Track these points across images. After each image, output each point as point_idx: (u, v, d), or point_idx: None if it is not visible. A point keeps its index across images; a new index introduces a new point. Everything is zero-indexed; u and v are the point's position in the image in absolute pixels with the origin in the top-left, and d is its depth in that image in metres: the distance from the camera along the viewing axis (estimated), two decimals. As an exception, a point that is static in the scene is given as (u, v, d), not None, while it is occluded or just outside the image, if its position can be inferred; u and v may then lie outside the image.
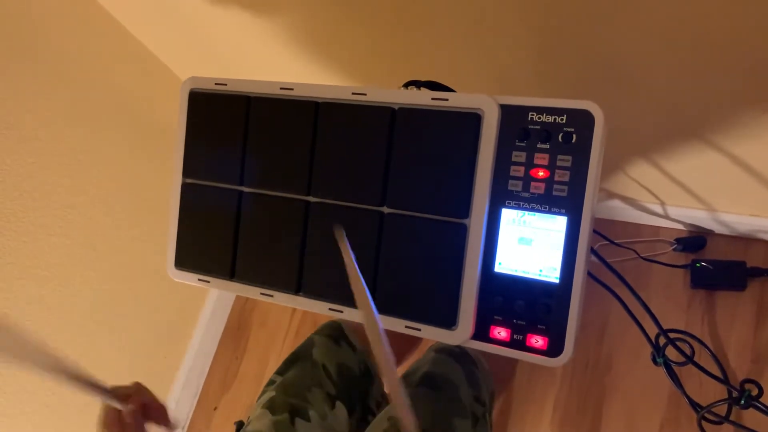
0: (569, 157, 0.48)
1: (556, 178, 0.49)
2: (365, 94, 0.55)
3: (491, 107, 0.50)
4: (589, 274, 0.62)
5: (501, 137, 0.50)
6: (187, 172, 0.63)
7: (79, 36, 1.01)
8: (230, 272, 0.61)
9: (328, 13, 0.78)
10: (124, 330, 1.22)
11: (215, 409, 1.42)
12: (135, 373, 1.26)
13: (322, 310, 0.57)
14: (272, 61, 0.96)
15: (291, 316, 1.43)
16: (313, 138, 0.57)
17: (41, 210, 0.99)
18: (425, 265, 0.52)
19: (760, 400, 0.71)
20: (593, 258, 0.71)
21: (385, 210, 0.54)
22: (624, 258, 1.11)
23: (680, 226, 1.10)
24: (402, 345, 0.98)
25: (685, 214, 1.05)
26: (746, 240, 1.05)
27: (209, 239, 0.62)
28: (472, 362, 0.78)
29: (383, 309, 0.54)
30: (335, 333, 0.82)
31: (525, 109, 0.50)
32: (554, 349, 0.49)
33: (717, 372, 0.75)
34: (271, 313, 1.45)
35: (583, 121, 0.48)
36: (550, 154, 0.49)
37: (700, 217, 1.04)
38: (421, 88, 0.61)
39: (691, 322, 1.05)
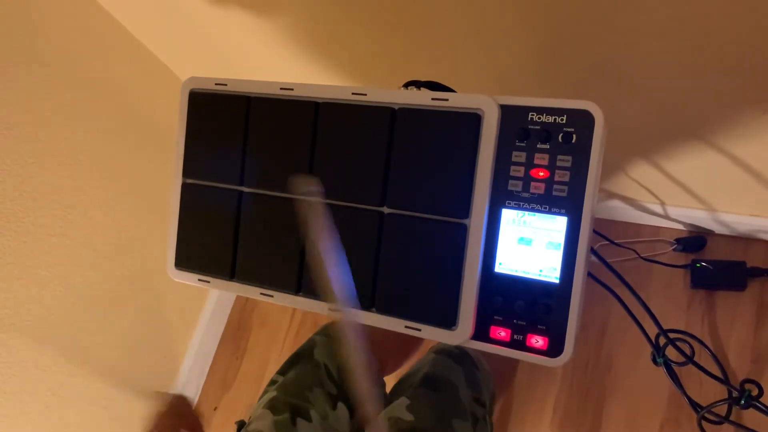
0: (569, 158, 0.48)
1: (556, 179, 0.49)
2: (365, 94, 0.55)
3: (491, 107, 0.50)
4: (589, 274, 0.62)
5: (501, 137, 0.50)
6: (187, 172, 0.63)
7: (79, 36, 1.01)
8: (230, 272, 0.61)
9: (328, 13, 0.78)
10: (124, 330, 1.22)
11: (215, 409, 1.42)
12: (135, 373, 1.26)
13: (322, 310, 0.57)
14: (272, 62, 0.96)
15: (291, 317, 1.43)
16: (313, 138, 0.57)
17: (41, 210, 0.99)
18: (425, 265, 0.52)
19: (761, 400, 0.71)
20: (593, 258, 0.71)
21: (385, 210, 0.54)
22: (624, 258, 1.11)
23: (680, 226, 1.10)
24: (403, 346, 0.98)
25: (685, 214, 1.05)
26: (746, 240, 1.05)
27: (209, 239, 0.62)
28: (472, 363, 0.78)
29: (383, 309, 0.54)
30: (337, 333, 0.82)
31: (525, 109, 0.50)
32: (554, 349, 0.49)
33: (717, 372, 0.75)
34: (271, 314, 1.45)
35: (583, 121, 0.48)
36: (550, 154, 0.49)
37: (700, 217, 1.04)
38: (421, 88, 0.61)
39: (691, 322, 1.06)
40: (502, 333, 0.51)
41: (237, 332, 1.47)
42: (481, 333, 0.51)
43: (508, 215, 0.50)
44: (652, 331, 0.72)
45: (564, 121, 0.48)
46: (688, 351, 0.71)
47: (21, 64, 0.92)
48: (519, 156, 0.50)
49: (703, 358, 0.95)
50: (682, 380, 0.74)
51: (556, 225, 0.49)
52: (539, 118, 0.49)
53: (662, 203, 1.06)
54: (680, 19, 0.58)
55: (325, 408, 0.72)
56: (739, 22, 0.56)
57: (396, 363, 0.96)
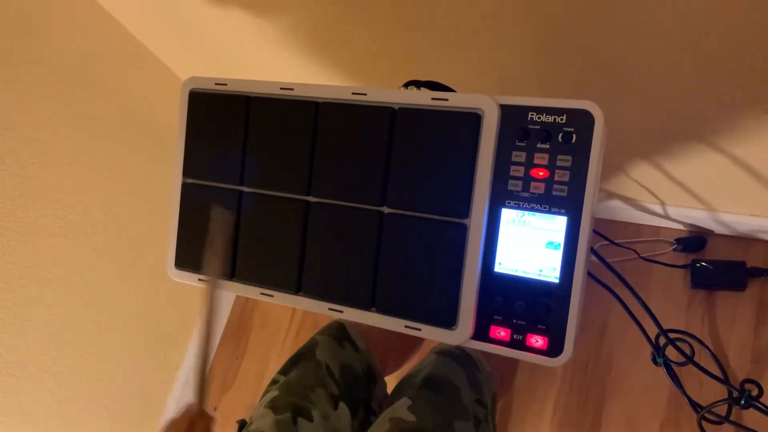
0: (569, 157, 0.48)
1: (556, 178, 0.49)
2: (365, 94, 0.55)
3: (491, 107, 0.50)
4: (589, 274, 0.62)
5: (501, 137, 0.50)
6: (187, 172, 0.63)
7: (79, 36, 1.01)
8: (230, 272, 0.61)
9: (328, 14, 0.78)
10: (124, 330, 1.22)
11: (215, 409, 1.42)
12: (135, 373, 1.26)
13: (322, 310, 0.57)
14: (272, 62, 0.96)
15: (291, 317, 1.43)
16: (313, 138, 0.57)
17: (41, 210, 0.99)
18: (425, 265, 0.52)
19: (760, 400, 0.71)
20: (593, 258, 0.71)
21: (385, 210, 0.54)
22: (624, 258, 1.11)
23: (680, 226, 1.10)
24: (403, 346, 0.98)
25: (685, 214, 1.05)
26: (746, 240, 1.05)
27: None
28: (473, 364, 0.77)
29: (383, 309, 0.54)
30: (338, 333, 0.82)
31: (525, 109, 0.50)
32: (554, 348, 0.49)
33: (717, 372, 0.75)
34: (272, 314, 1.45)
35: (583, 121, 0.48)
36: (550, 154, 0.49)
37: (700, 217, 1.04)
38: (421, 88, 0.61)
39: (691, 322, 1.06)
40: (502, 333, 0.51)
41: (237, 332, 1.47)
42: (481, 333, 0.51)
43: (507, 215, 0.50)
44: (652, 331, 0.72)
45: (564, 121, 0.48)
46: (688, 351, 0.71)
47: (21, 64, 0.92)
48: (519, 156, 0.50)
49: (703, 358, 0.95)
50: (682, 380, 0.74)
51: (556, 225, 0.49)
52: (539, 118, 0.49)
53: (662, 203, 1.06)
54: (680, 18, 0.58)
55: (326, 408, 0.72)
56: (739, 22, 0.56)
57: (396, 363, 0.96)
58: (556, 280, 0.49)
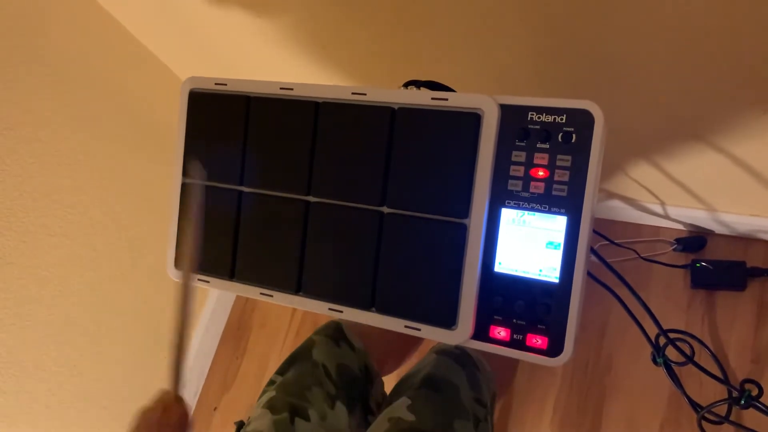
0: (569, 157, 0.48)
1: (556, 178, 0.49)
2: (365, 94, 0.55)
3: (491, 107, 0.50)
4: (589, 274, 0.62)
5: (501, 137, 0.50)
6: (187, 171, 0.63)
7: (79, 36, 1.01)
8: (230, 272, 0.61)
9: (328, 14, 0.78)
10: (124, 330, 1.22)
11: (215, 409, 1.42)
12: (135, 373, 1.26)
13: (321, 310, 0.57)
14: (272, 62, 0.96)
15: (291, 317, 1.43)
16: (313, 138, 0.57)
17: (41, 210, 0.99)
18: (425, 265, 0.52)
19: (760, 400, 0.71)
20: (593, 258, 0.71)
21: (385, 210, 0.54)
22: (624, 258, 1.11)
23: (680, 226, 1.10)
24: (402, 346, 0.98)
25: (685, 214, 1.05)
26: (746, 240, 1.05)
27: (209, 239, 0.62)
28: (473, 364, 0.78)
29: (383, 309, 0.54)
30: (335, 333, 0.82)
31: (525, 109, 0.50)
32: (554, 348, 0.49)
33: (717, 372, 0.75)
34: (272, 314, 1.45)
35: (582, 120, 0.48)
36: (550, 154, 0.49)
37: (700, 217, 1.04)
38: (421, 88, 0.61)
39: (691, 322, 1.06)
40: (502, 333, 0.51)
41: (237, 332, 1.47)
42: (481, 333, 0.51)
43: (507, 215, 0.50)
44: (652, 331, 0.72)
45: (564, 121, 0.48)
46: (688, 351, 0.71)
47: (21, 64, 0.92)
48: (519, 155, 0.50)
49: (703, 358, 0.95)
50: (682, 380, 0.74)
51: (556, 225, 0.49)
52: (539, 118, 0.49)
53: (662, 203, 1.06)
54: (680, 18, 0.58)
55: (323, 408, 0.72)
56: (739, 22, 0.56)
57: (395, 363, 0.96)
58: (556, 280, 0.49)
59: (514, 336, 0.50)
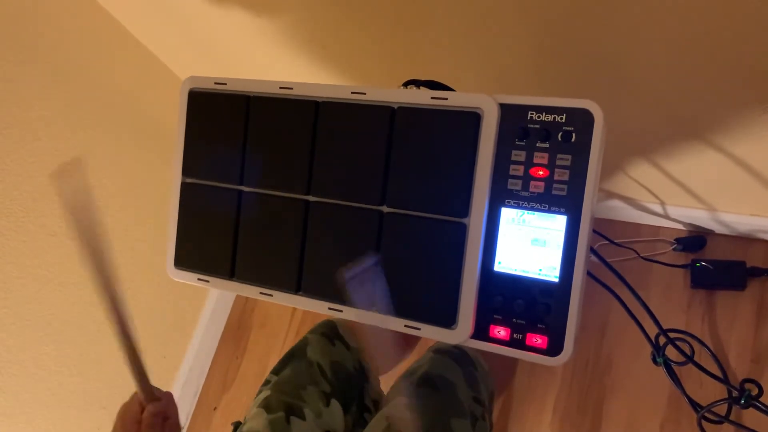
0: (569, 156, 0.48)
1: (556, 177, 0.49)
2: (365, 94, 0.55)
3: (491, 106, 0.50)
4: (589, 273, 0.62)
5: (500, 136, 0.50)
6: (186, 171, 0.63)
7: (79, 36, 1.01)
8: (230, 272, 0.61)
9: (328, 14, 0.78)
10: (124, 330, 1.22)
11: (215, 409, 1.42)
12: (135, 373, 1.26)
13: (321, 310, 0.57)
14: (272, 62, 0.96)
15: (291, 316, 1.43)
16: (312, 137, 0.57)
17: (41, 210, 0.99)
18: (425, 265, 0.52)
19: (760, 399, 0.71)
20: (593, 258, 0.71)
21: (385, 209, 0.54)
22: (624, 258, 1.11)
23: (680, 226, 1.10)
24: (398, 345, 0.98)
25: (685, 213, 1.05)
26: (746, 240, 1.05)
27: (209, 239, 0.62)
28: (470, 363, 0.78)
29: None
30: (330, 332, 0.82)
31: (524, 108, 0.50)
32: (554, 348, 0.49)
33: (717, 372, 0.75)
34: (271, 313, 1.45)
35: (582, 120, 0.48)
36: (550, 153, 0.49)
37: (700, 217, 1.04)
38: (421, 88, 0.61)
39: (691, 322, 1.05)
40: (502, 332, 0.51)
41: (237, 332, 1.47)
42: (480, 332, 0.51)
43: (507, 214, 0.50)
44: (652, 330, 0.72)
45: (563, 120, 0.48)
46: (688, 351, 0.71)
47: (21, 64, 0.92)
48: (518, 155, 0.50)
49: (703, 357, 0.95)
50: (682, 380, 0.74)
51: (556, 224, 0.49)
52: (539, 117, 0.49)
53: (662, 203, 1.06)
54: (680, 18, 0.58)
55: (318, 406, 0.72)
56: (739, 22, 0.56)
57: (392, 362, 0.96)
58: (556, 280, 0.49)
59: (514, 335, 0.50)
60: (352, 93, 0.55)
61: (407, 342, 1.01)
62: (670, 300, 1.08)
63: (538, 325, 0.50)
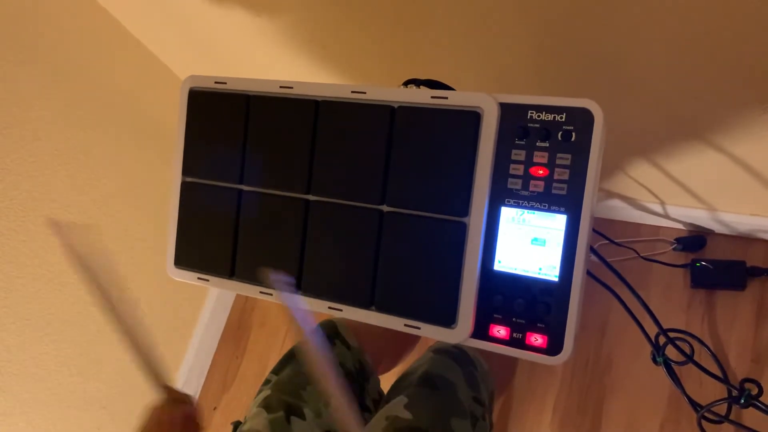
0: (569, 156, 0.48)
1: (556, 177, 0.49)
2: (365, 93, 0.55)
3: (491, 106, 0.50)
4: (589, 273, 0.62)
5: (500, 135, 0.50)
6: (186, 170, 0.63)
7: (79, 36, 1.01)
8: (230, 271, 0.61)
9: (328, 13, 0.78)
10: (124, 330, 1.22)
11: (215, 409, 1.42)
12: (135, 373, 1.26)
13: (321, 309, 0.57)
14: (272, 61, 0.96)
15: (291, 316, 1.43)
16: (312, 136, 0.57)
17: (41, 210, 0.99)
18: (424, 264, 0.52)
19: (760, 399, 0.71)
20: (593, 257, 0.71)
21: (385, 208, 0.54)
22: (624, 257, 1.11)
23: (680, 226, 1.10)
24: (399, 344, 0.98)
25: (685, 213, 1.05)
26: (746, 240, 1.05)
27: (209, 238, 0.62)
28: (470, 362, 0.78)
29: (383, 307, 0.54)
30: (330, 331, 0.82)
31: (524, 108, 0.50)
32: (554, 347, 0.49)
33: (717, 371, 0.75)
34: (271, 313, 1.45)
35: (582, 119, 0.48)
36: (550, 153, 0.49)
37: (700, 217, 1.04)
38: (421, 87, 0.61)
39: (691, 321, 1.06)
40: (502, 331, 0.51)
41: (237, 332, 1.47)
42: (480, 331, 0.51)
43: (507, 213, 0.50)
44: (652, 330, 0.72)
45: (563, 120, 0.48)
46: (687, 350, 0.71)
47: (21, 64, 0.92)
48: (518, 154, 0.50)
49: (703, 357, 0.95)
50: (681, 380, 0.74)
51: (556, 223, 0.49)
52: (539, 117, 0.49)
53: (662, 202, 1.06)
54: (680, 18, 0.58)
55: (318, 406, 0.72)
56: (739, 22, 0.56)
57: (391, 362, 0.96)
58: (556, 279, 0.49)
59: (514, 335, 0.50)
60: (352, 92, 0.55)
61: (408, 342, 1.01)
62: (670, 300, 1.08)
63: (538, 325, 0.50)
